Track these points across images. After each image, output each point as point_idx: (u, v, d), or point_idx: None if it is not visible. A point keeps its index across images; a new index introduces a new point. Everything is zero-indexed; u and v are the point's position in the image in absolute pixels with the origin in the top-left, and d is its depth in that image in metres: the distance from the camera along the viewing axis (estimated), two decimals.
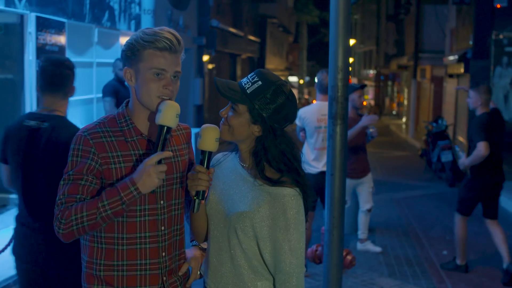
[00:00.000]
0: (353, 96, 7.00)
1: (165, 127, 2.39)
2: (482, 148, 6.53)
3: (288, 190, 2.42)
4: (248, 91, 2.42)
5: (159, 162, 2.36)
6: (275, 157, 2.46)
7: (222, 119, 2.49)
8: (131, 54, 2.47)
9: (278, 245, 2.40)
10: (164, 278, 2.58)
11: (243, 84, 2.45)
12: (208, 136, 2.44)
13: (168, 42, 2.43)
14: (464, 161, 6.99)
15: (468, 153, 6.98)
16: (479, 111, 6.84)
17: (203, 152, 2.44)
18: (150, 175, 2.31)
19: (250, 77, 2.47)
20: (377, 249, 7.68)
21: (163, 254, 2.56)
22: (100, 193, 2.40)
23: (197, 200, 2.43)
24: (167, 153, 2.39)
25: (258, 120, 2.42)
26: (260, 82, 2.42)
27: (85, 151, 2.43)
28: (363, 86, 7.35)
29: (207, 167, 2.44)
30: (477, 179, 6.85)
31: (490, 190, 6.86)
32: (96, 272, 2.53)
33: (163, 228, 2.56)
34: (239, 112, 2.43)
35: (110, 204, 2.33)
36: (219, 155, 2.68)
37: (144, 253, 2.52)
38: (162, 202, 2.55)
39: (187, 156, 2.69)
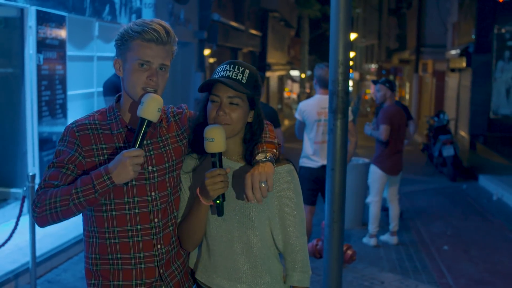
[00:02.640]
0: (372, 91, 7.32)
1: (146, 121, 2.36)
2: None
3: (286, 166, 2.53)
4: (244, 81, 2.44)
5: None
6: (261, 138, 2.54)
7: (217, 120, 2.43)
8: (120, 44, 2.48)
9: (286, 220, 2.51)
10: (161, 271, 2.55)
11: (234, 77, 2.44)
12: (220, 138, 2.37)
13: (155, 34, 2.42)
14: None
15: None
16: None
17: (213, 154, 2.38)
18: (125, 166, 2.28)
19: (233, 68, 2.45)
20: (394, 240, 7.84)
21: (159, 246, 2.54)
22: None
23: (221, 203, 2.40)
24: (141, 151, 2.33)
25: (252, 106, 2.50)
26: (247, 71, 2.47)
27: (70, 142, 2.47)
28: (374, 82, 7.72)
29: (221, 167, 2.40)
30: None
31: None
32: (92, 266, 2.53)
33: (156, 220, 2.52)
34: (240, 104, 2.45)
35: (84, 192, 2.32)
36: (192, 160, 2.62)
37: (137, 246, 2.50)
38: (153, 193, 2.52)
39: (184, 142, 2.64)
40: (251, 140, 2.52)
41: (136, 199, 2.49)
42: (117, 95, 2.62)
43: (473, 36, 18.08)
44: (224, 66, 2.48)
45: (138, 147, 2.36)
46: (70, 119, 8.84)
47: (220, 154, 2.39)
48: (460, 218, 9.65)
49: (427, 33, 25.66)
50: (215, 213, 2.45)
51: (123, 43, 2.47)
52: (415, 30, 25.92)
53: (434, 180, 13.42)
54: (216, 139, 2.36)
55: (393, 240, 7.80)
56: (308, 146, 6.54)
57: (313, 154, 6.48)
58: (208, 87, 2.49)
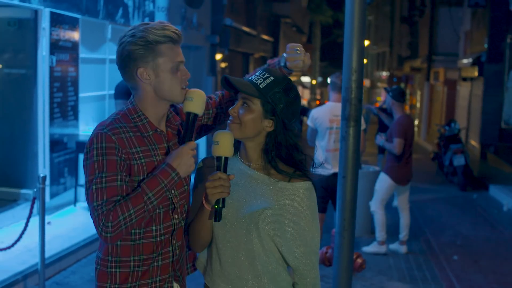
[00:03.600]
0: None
1: (195, 115, 2.48)
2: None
3: (305, 183, 2.48)
4: (261, 86, 2.43)
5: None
6: (287, 152, 2.49)
7: (230, 118, 2.48)
8: (144, 51, 2.41)
9: (298, 238, 2.45)
10: (176, 266, 2.60)
11: (254, 81, 2.45)
12: (226, 143, 2.40)
13: (178, 34, 2.46)
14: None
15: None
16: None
17: (218, 158, 2.39)
18: (189, 159, 2.40)
19: (260, 73, 2.48)
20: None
21: (173, 241, 2.57)
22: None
23: (219, 208, 2.38)
24: (195, 144, 2.47)
25: (270, 115, 2.45)
26: (272, 78, 2.45)
27: (109, 148, 2.37)
28: (387, 90, 7.78)
29: (224, 172, 2.39)
30: None
31: None
32: (111, 269, 2.50)
33: (176, 216, 2.56)
34: (251, 107, 2.43)
35: (155, 194, 2.36)
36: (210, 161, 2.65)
37: (160, 244, 2.53)
38: (173, 191, 2.52)
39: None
40: (274, 150, 2.48)
41: (162, 225, 2.52)
42: (131, 97, 2.60)
43: (486, 46, 18.01)
44: (257, 70, 2.55)
45: (189, 140, 2.47)
46: (82, 121, 8.87)
47: (225, 159, 2.39)
48: (470, 228, 9.59)
49: (439, 42, 25.58)
50: (211, 218, 2.46)
51: (150, 49, 2.41)
52: (427, 38, 25.84)
53: (444, 189, 13.35)
54: (221, 142, 2.38)
55: (403, 249, 7.76)
56: (320, 154, 6.51)
57: (325, 161, 6.46)
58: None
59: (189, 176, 2.63)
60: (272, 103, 2.43)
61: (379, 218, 7.62)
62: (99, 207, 2.33)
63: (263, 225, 2.43)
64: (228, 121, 2.48)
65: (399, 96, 7.63)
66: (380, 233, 7.63)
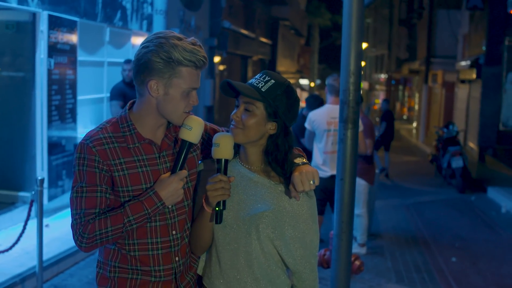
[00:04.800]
0: None
1: (188, 143, 2.42)
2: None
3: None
4: (263, 89, 2.42)
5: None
6: (285, 154, 2.49)
7: (232, 122, 2.45)
8: (163, 67, 2.35)
9: (298, 241, 2.46)
10: (179, 283, 2.56)
11: (255, 84, 2.44)
12: (226, 145, 2.41)
13: (204, 61, 2.40)
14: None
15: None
16: None
17: (219, 160, 2.41)
18: (177, 190, 2.38)
19: (260, 77, 2.48)
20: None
21: (176, 258, 2.54)
22: (115, 202, 2.42)
23: (220, 211, 2.39)
24: (185, 172, 2.42)
25: (273, 118, 2.45)
26: (273, 81, 2.45)
27: (90, 160, 2.38)
28: None
29: (225, 175, 2.41)
30: None
31: None
32: (110, 274, 2.51)
33: (174, 232, 2.52)
34: (254, 111, 2.42)
35: (137, 219, 2.36)
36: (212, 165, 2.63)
37: (158, 258, 2.50)
38: (174, 232, 2.52)
39: (196, 152, 2.65)
40: (273, 153, 2.48)
41: (160, 240, 2.49)
42: (129, 103, 2.55)
43: (484, 48, 18.03)
44: (259, 74, 2.52)
45: (181, 169, 2.42)
46: (80, 124, 8.87)
47: (225, 161, 2.40)
48: (468, 230, 9.59)
49: (437, 44, 25.61)
50: (212, 220, 2.46)
51: (170, 67, 2.35)
52: (426, 41, 25.88)
53: (443, 191, 13.35)
54: (221, 145, 2.39)
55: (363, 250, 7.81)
56: (317, 156, 6.52)
57: (322, 164, 6.46)
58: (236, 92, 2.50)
59: (190, 192, 2.59)
60: (275, 106, 2.43)
61: (363, 221, 7.65)
62: (77, 216, 2.37)
63: (263, 228, 2.43)
64: (231, 126, 2.46)
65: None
66: (362, 236, 7.67)
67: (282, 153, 2.48)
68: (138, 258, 2.47)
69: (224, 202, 2.38)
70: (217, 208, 2.38)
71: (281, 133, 2.47)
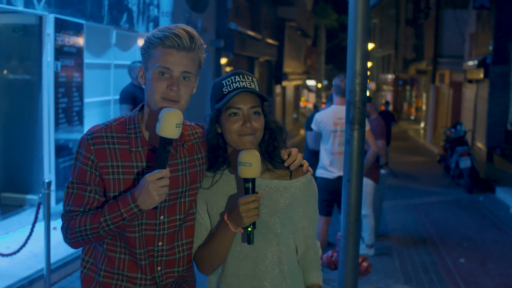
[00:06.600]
0: None
1: (165, 139, 2.21)
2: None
3: (304, 177, 2.49)
4: (258, 89, 2.38)
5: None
6: (274, 134, 2.49)
7: (245, 132, 2.35)
8: (144, 52, 2.34)
9: (306, 224, 2.49)
10: None
11: (249, 86, 2.36)
12: (258, 162, 2.27)
13: (176, 39, 2.26)
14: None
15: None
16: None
17: (247, 180, 2.26)
18: (149, 192, 2.16)
19: (244, 78, 2.37)
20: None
21: (159, 268, 2.43)
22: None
23: (252, 231, 2.29)
24: (166, 172, 2.20)
25: (264, 112, 2.44)
26: (254, 78, 2.41)
27: (85, 157, 2.32)
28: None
29: (254, 193, 2.28)
30: None
31: None
32: (97, 276, 2.44)
33: (160, 243, 2.41)
34: (261, 112, 2.40)
35: (112, 219, 2.24)
36: (206, 179, 2.50)
37: (143, 267, 2.41)
38: (162, 217, 2.40)
39: (201, 167, 2.49)
40: (270, 140, 2.45)
41: (145, 221, 2.38)
42: (140, 105, 2.47)
43: (491, 47, 17.97)
44: (233, 77, 2.38)
45: (160, 168, 2.21)
46: (87, 127, 8.88)
47: (254, 179, 2.28)
48: (476, 230, 9.56)
49: (444, 44, 25.55)
50: (244, 241, 2.37)
51: (146, 50, 2.33)
52: (432, 41, 25.82)
53: (451, 191, 13.31)
54: (253, 163, 2.24)
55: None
56: (324, 157, 6.50)
57: (329, 165, 6.45)
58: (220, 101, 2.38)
59: (185, 206, 2.45)
60: (267, 100, 2.42)
61: (370, 222, 7.63)
62: (64, 212, 2.36)
63: (278, 230, 2.42)
64: (246, 136, 2.35)
65: (369, 97, 7.88)
66: (370, 237, 7.65)
67: (279, 135, 2.48)
68: (127, 262, 2.41)
69: (254, 222, 2.28)
70: (249, 229, 2.28)
71: (272, 120, 2.47)
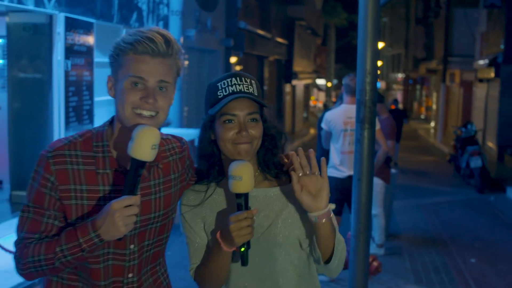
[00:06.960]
0: None
1: (138, 161, 1.92)
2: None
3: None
4: (256, 93, 2.16)
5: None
6: (274, 141, 2.28)
7: (239, 142, 2.13)
8: (112, 60, 2.05)
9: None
10: None
11: (246, 89, 2.13)
12: (249, 176, 2.03)
13: (150, 44, 1.98)
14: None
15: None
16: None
17: (239, 195, 2.03)
18: (114, 222, 1.86)
19: (242, 80, 2.14)
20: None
21: None
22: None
23: (245, 251, 2.04)
24: (135, 199, 1.91)
25: (263, 118, 2.23)
26: (253, 81, 2.17)
27: (44, 178, 2.03)
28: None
29: (247, 209, 2.04)
30: None
31: None
32: None
33: (131, 275, 2.13)
34: (259, 119, 2.18)
35: (69, 250, 1.93)
36: (196, 194, 2.26)
37: None
38: (132, 246, 2.11)
39: (177, 187, 2.24)
40: (269, 147, 2.23)
41: (112, 250, 2.09)
42: (110, 118, 2.18)
43: (502, 46, 17.89)
44: (229, 80, 2.14)
45: (129, 194, 1.92)
46: (97, 125, 8.90)
47: (247, 194, 2.04)
48: (487, 230, 9.51)
49: (454, 43, 25.47)
50: (237, 261, 2.13)
51: (115, 58, 2.03)
52: (443, 40, 25.74)
53: (461, 191, 13.26)
54: (244, 177, 2.01)
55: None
56: (334, 156, 6.49)
57: (340, 164, 6.43)
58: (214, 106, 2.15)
59: (156, 231, 2.18)
60: (265, 106, 2.21)
61: (381, 221, 7.60)
62: (17, 239, 2.06)
63: (283, 239, 2.21)
64: (242, 145, 2.13)
65: (381, 97, 7.80)
66: (380, 236, 7.63)
67: (273, 141, 2.25)
68: None
69: (249, 241, 2.04)
70: (242, 249, 2.04)
71: (271, 123, 2.25)
